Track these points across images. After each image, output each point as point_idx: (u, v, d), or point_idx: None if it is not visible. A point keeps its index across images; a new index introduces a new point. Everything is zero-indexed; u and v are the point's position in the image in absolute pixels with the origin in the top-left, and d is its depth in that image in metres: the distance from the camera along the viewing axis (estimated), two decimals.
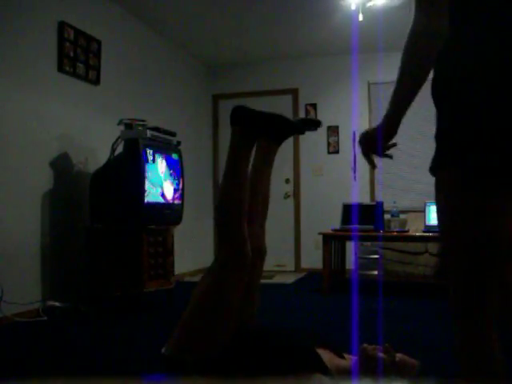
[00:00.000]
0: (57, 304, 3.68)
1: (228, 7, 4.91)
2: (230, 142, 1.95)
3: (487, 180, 1.16)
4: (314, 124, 2.18)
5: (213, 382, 1.68)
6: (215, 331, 1.74)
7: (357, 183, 6.21)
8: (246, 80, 6.62)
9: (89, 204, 3.92)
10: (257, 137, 1.97)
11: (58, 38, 3.98)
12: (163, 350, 1.79)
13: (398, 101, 1.31)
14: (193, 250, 6.04)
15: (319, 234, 4.71)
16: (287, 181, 6.48)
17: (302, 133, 2.16)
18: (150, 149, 3.86)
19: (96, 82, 4.41)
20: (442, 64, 1.25)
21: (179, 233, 4.73)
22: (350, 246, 5.53)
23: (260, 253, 2.03)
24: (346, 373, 1.74)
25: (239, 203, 1.86)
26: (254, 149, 2.11)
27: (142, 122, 3.96)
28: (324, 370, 1.68)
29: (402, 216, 5.15)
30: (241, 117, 1.93)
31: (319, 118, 6.27)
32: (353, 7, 4.65)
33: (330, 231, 4.76)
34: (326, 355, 1.77)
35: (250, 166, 2.08)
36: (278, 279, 5.62)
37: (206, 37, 5.72)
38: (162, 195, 3.99)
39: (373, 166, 1.48)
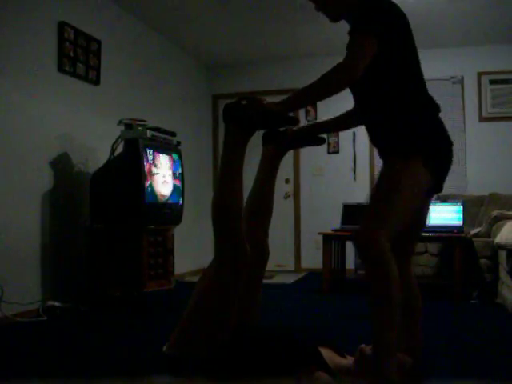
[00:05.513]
0: (57, 304, 3.68)
1: (228, 7, 4.91)
2: (224, 139, 1.95)
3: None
4: (318, 141, 2.25)
5: (213, 382, 1.68)
6: (215, 329, 1.74)
7: (357, 183, 6.22)
8: (246, 80, 6.61)
9: (89, 204, 3.92)
10: (252, 130, 1.96)
11: (58, 38, 3.98)
12: (164, 349, 1.79)
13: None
14: (193, 250, 6.04)
15: (319, 233, 4.71)
16: (287, 181, 6.48)
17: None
18: (150, 149, 3.86)
19: (96, 82, 4.41)
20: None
21: (179, 233, 4.73)
22: (350, 246, 5.53)
23: (262, 255, 2.04)
24: (346, 372, 1.75)
25: (236, 200, 1.84)
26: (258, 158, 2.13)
27: (141, 122, 3.96)
28: (325, 368, 1.68)
29: None
30: (235, 111, 1.93)
31: (319, 117, 6.30)
32: None
33: (330, 231, 4.76)
34: (327, 354, 1.77)
35: (255, 176, 2.10)
36: (278, 279, 5.62)
37: (206, 37, 5.72)
38: (162, 195, 3.98)
39: None
